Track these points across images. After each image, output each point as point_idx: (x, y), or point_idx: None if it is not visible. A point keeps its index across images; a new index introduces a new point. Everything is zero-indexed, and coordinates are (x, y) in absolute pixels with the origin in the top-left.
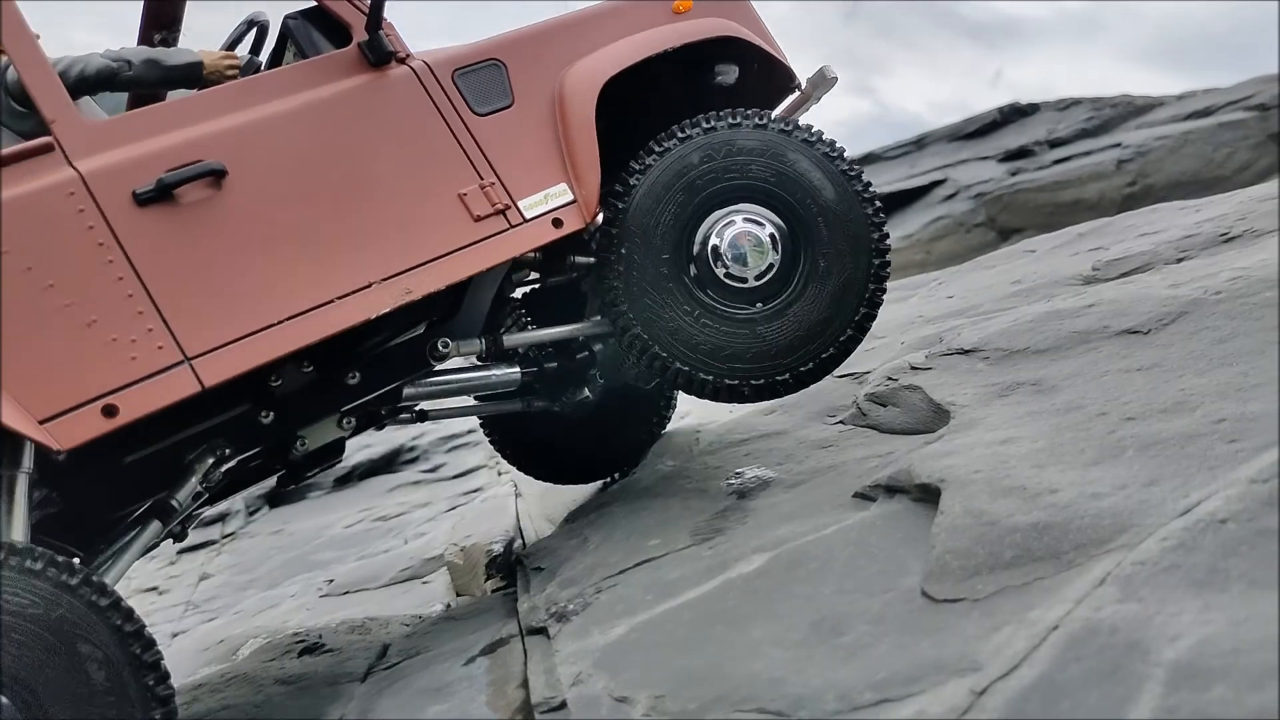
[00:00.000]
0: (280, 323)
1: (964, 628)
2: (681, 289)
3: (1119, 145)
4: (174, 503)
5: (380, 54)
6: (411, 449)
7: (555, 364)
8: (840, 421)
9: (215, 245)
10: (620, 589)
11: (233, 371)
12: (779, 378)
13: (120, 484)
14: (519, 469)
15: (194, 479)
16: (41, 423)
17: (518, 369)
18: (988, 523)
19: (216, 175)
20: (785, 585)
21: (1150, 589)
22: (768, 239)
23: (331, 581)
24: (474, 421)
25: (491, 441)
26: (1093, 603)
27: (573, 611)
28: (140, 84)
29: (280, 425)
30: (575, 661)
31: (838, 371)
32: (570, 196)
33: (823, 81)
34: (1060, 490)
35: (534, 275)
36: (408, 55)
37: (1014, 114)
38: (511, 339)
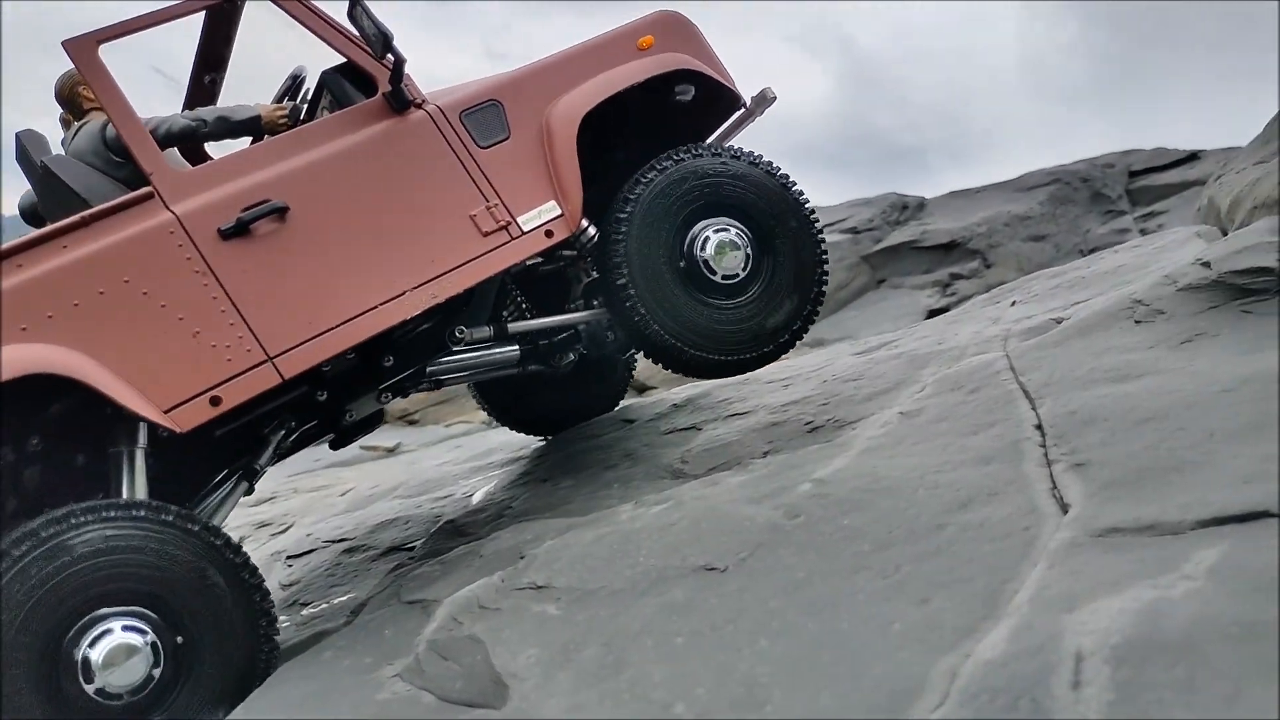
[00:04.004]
0: (337, 326)
1: None
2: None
3: None
4: (256, 466)
5: (402, 102)
6: None
7: (547, 342)
8: (398, 675)
9: (284, 267)
10: None
11: (303, 366)
12: (750, 355)
13: (212, 453)
14: (505, 425)
15: (270, 448)
16: (165, 411)
17: (517, 348)
18: None
19: (281, 212)
20: None
21: None
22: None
23: None
24: None
25: (480, 404)
26: None
27: None
28: (213, 137)
29: (333, 401)
30: None
31: (409, 596)
32: (559, 211)
33: (764, 101)
34: None
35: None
36: (423, 101)
37: None
38: (514, 326)
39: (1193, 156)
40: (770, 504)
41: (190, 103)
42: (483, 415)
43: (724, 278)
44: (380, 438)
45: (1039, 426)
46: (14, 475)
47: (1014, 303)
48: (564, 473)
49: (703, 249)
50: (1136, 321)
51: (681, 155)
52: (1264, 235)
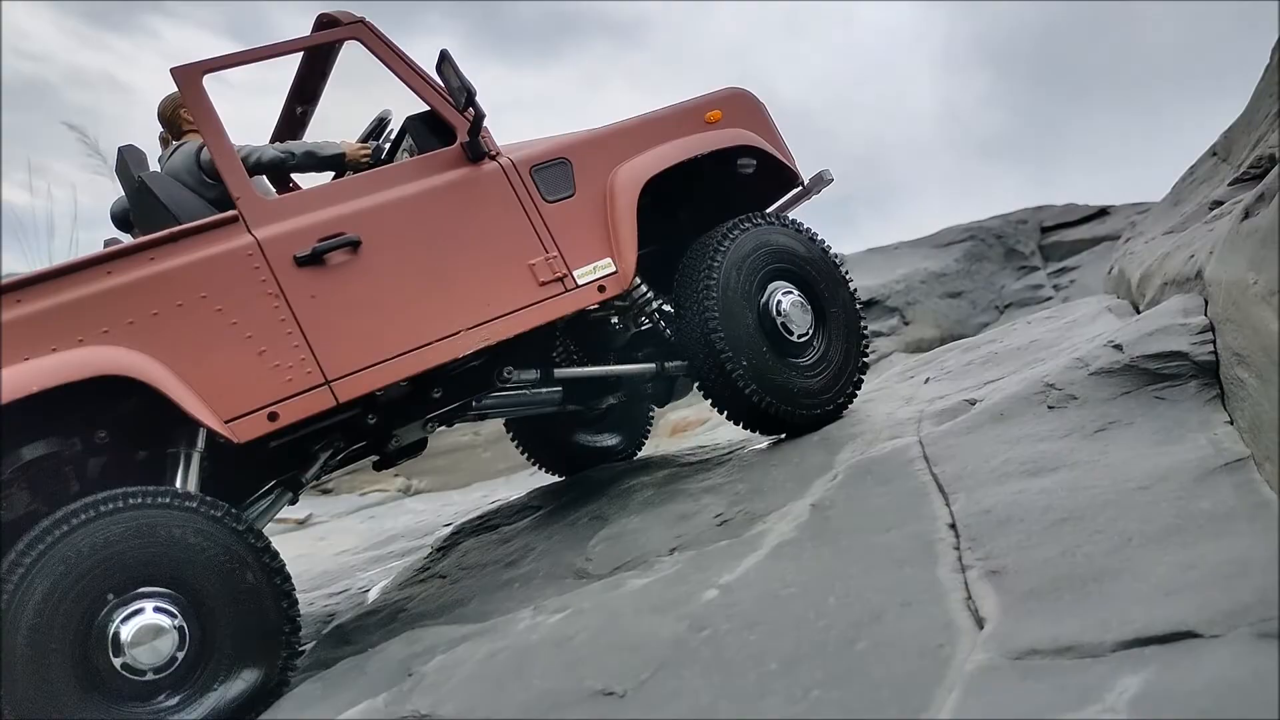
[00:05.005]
0: (393, 358)
1: None
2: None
3: None
4: (302, 479)
5: (478, 153)
6: None
7: (589, 387)
8: None
9: (350, 298)
10: None
11: (358, 392)
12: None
13: (263, 463)
14: (533, 461)
15: (318, 465)
16: (226, 422)
17: (560, 389)
18: None
19: (354, 245)
20: None
21: None
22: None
23: None
24: None
25: (513, 440)
26: None
27: None
28: (300, 169)
29: (381, 426)
30: None
31: None
32: (613, 268)
33: (821, 181)
34: None
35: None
36: (497, 153)
37: None
38: (561, 372)
39: (1102, 212)
40: (674, 614)
41: (280, 130)
42: (398, 483)
43: (791, 333)
44: (291, 509)
45: (953, 525)
46: (80, 463)
47: (927, 380)
48: (464, 568)
49: (778, 309)
50: (1049, 407)
51: (758, 221)
52: (1175, 316)
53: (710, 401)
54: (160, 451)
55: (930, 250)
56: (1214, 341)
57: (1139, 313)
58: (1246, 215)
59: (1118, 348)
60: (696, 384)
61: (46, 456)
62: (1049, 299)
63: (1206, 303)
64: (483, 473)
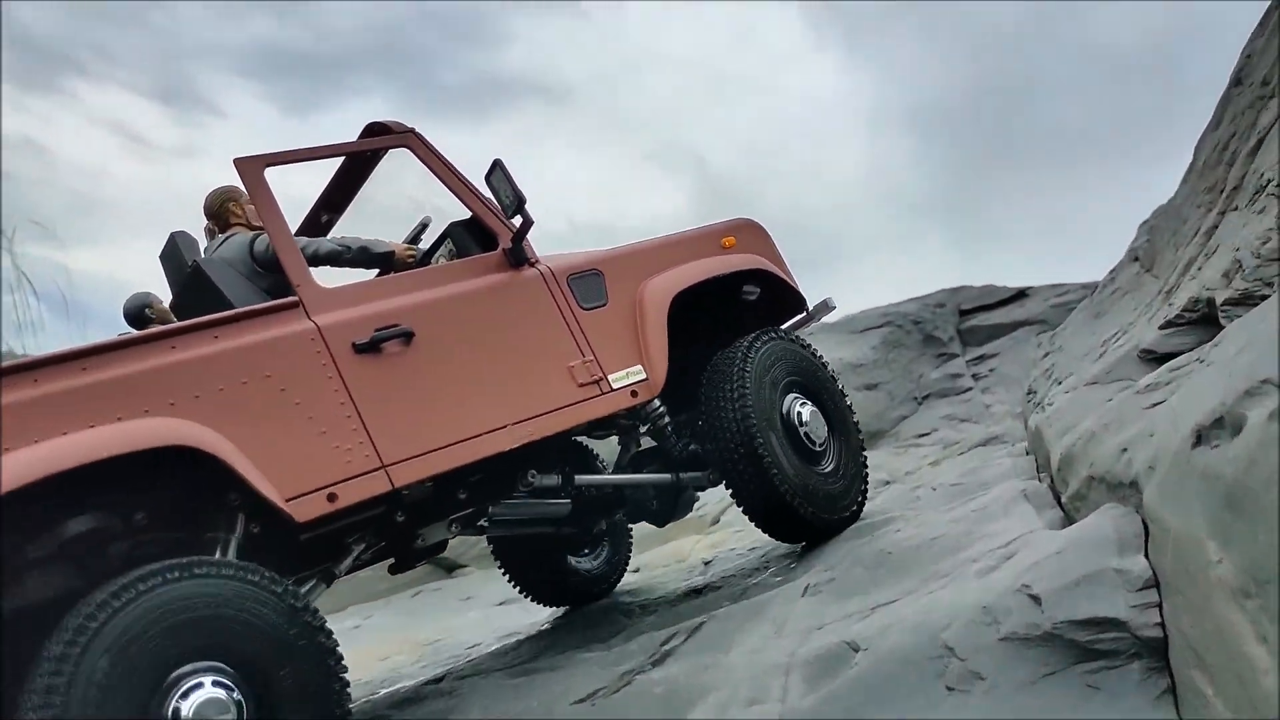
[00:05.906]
0: (445, 446)
1: None
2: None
3: None
4: (336, 570)
5: (519, 259)
6: None
7: (595, 499)
8: None
9: (405, 386)
10: None
11: (412, 478)
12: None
13: (297, 555)
14: (523, 593)
15: (350, 557)
16: (287, 500)
17: (568, 502)
18: None
19: (408, 337)
20: None
21: None
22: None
23: None
24: None
25: (502, 571)
26: None
27: None
28: (353, 264)
29: (408, 524)
30: None
31: None
32: (644, 375)
33: (824, 308)
34: None
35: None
36: (537, 261)
37: None
38: (582, 479)
39: (1021, 294)
40: None
41: (302, 232)
42: None
43: (812, 441)
44: None
45: None
46: (116, 542)
47: (806, 589)
48: None
49: (799, 419)
50: (948, 688)
51: (774, 336)
52: (1107, 554)
53: (742, 505)
54: (189, 539)
55: (845, 336)
56: (1160, 605)
57: (1060, 504)
58: (1199, 439)
59: (1035, 599)
60: (726, 487)
61: (91, 532)
62: (968, 389)
63: (1146, 530)
64: (361, 594)
